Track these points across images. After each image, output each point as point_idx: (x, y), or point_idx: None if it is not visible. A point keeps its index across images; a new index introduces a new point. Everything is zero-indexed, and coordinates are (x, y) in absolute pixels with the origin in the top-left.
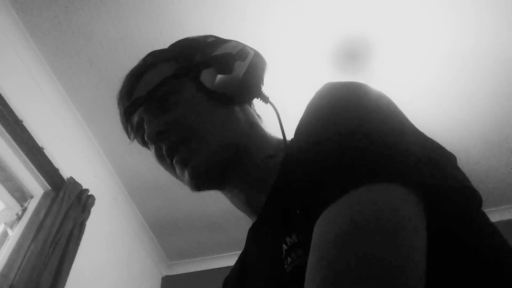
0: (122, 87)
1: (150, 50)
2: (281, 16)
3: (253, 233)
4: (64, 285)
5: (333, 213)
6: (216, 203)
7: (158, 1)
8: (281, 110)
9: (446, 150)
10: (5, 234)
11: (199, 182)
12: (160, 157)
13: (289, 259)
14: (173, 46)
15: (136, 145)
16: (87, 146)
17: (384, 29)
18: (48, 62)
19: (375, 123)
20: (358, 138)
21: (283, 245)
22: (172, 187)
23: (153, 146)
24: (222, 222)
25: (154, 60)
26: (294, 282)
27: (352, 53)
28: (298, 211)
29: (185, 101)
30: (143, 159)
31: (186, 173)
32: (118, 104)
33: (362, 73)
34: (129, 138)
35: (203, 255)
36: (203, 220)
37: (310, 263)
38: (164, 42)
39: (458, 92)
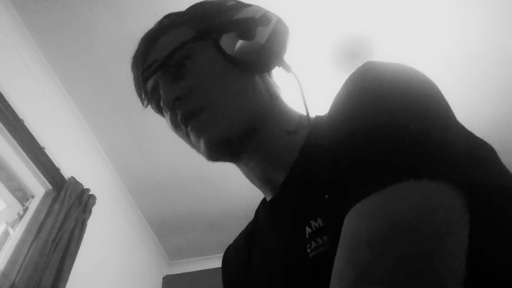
0: (137, 50)
1: None
2: (281, 15)
3: (270, 210)
4: (65, 284)
5: (367, 208)
6: (217, 203)
7: (158, 1)
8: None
9: (488, 144)
10: (7, 233)
11: (214, 153)
12: (175, 124)
13: (313, 244)
14: (191, 8)
15: (137, 145)
16: (88, 146)
17: (385, 28)
18: (49, 61)
19: (420, 115)
20: (402, 130)
21: (307, 227)
22: (173, 187)
23: (168, 112)
24: (222, 222)
25: (171, 22)
26: (316, 268)
27: (353, 52)
28: (327, 196)
29: (203, 67)
30: (144, 158)
31: (201, 142)
32: (132, 68)
33: None
34: (143, 104)
35: (204, 255)
36: (204, 219)
37: (339, 260)
38: None
39: (461, 92)
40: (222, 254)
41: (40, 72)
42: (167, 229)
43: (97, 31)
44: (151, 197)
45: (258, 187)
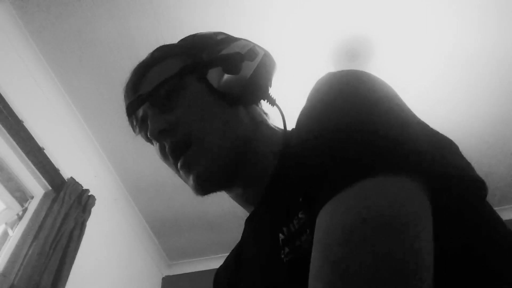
0: (129, 81)
1: (150, 50)
2: (281, 15)
3: (250, 223)
4: (65, 285)
5: (338, 206)
6: (216, 203)
7: (158, 1)
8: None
9: (449, 139)
10: (6, 234)
11: (204, 188)
12: (163, 154)
13: (286, 249)
14: (182, 41)
15: (136, 145)
16: (88, 147)
17: (385, 29)
18: (48, 62)
19: (377, 114)
20: (361, 129)
21: (280, 234)
22: (172, 187)
23: (157, 143)
24: (222, 222)
25: (162, 55)
26: (291, 273)
27: (353, 53)
28: (300, 199)
29: (189, 100)
30: (144, 159)
31: (190, 179)
32: (124, 97)
33: None
34: (134, 132)
35: (203, 255)
36: (204, 220)
37: (315, 259)
38: (164, 42)
39: (460, 93)
40: (222, 255)
41: (40, 73)
42: (167, 229)
43: (97, 32)
44: (150, 197)
45: (245, 208)
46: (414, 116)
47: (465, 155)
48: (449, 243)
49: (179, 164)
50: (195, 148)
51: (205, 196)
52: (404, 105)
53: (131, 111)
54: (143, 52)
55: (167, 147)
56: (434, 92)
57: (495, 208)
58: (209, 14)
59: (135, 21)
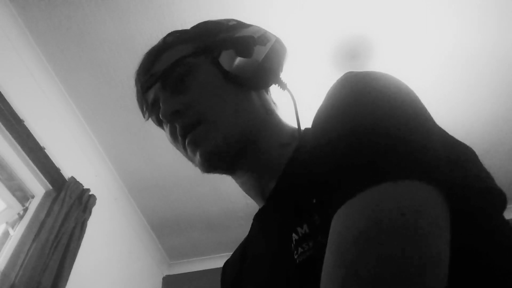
0: (140, 65)
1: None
2: (281, 16)
3: (260, 219)
4: (65, 284)
5: (353, 209)
6: (217, 203)
7: (159, 2)
8: (281, 109)
9: (468, 147)
10: (7, 233)
11: (210, 165)
12: (173, 136)
13: (299, 250)
14: (195, 27)
15: (137, 145)
16: (88, 146)
17: (385, 30)
18: (49, 62)
19: (397, 118)
20: (380, 134)
21: (293, 234)
22: (173, 187)
23: (168, 125)
24: (223, 222)
25: (174, 39)
26: (303, 274)
27: (353, 53)
28: (314, 201)
29: (202, 82)
30: (144, 159)
31: (197, 154)
32: (135, 81)
33: None
34: (144, 116)
35: (204, 255)
36: (204, 219)
37: (328, 261)
38: None
39: (460, 93)
40: (222, 254)
41: (41, 73)
42: (167, 229)
43: (98, 31)
44: (151, 197)
45: (253, 198)
46: (434, 123)
47: None
48: (460, 247)
49: (187, 140)
50: (206, 127)
51: (210, 173)
52: (425, 110)
53: (144, 89)
54: (143, 52)
55: (178, 128)
56: (434, 92)
57: None
58: (209, 14)
59: (136, 21)
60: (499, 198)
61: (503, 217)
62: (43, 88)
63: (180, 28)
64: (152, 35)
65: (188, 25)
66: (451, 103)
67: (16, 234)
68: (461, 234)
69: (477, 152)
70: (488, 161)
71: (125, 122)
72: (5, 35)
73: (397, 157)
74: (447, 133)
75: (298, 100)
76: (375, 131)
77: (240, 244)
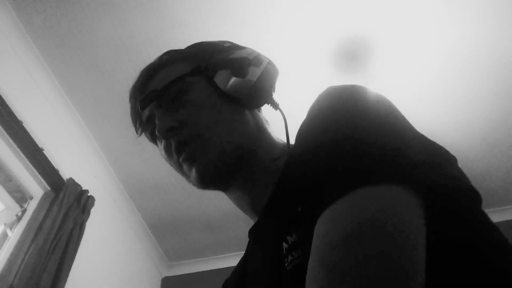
0: (136, 82)
1: (150, 51)
2: (281, 16)
3: (254, 233)
4: (64, 286)
5: (334, 213)
6: (216, 204)
7: (158, 2)
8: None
9: (446, 151)
10: (5, 235)
11: (205, 181)
12: (168, 153)
13: (289, 258)
14: (190, 47)
15: (136, 146)
16: (87, 147)
17: (384, 30)
18: (48, 63)
19: (374, 126)
20: (357, 141)
21: (284, 243)
22: (171, 188)
23: (162, 141)
24: (222, 223)
25: (170, 58)
26: (294, 281)
27: (352, 54)
28: (299, 209)
29: (197, 100)
30: (143, 160)
31: (193, 171)
32: (130, 98)
33: (362, 73)
34: (137, 132)
35: (203, 256)
36: (203, 221)
37: (312, 263)
38: (163, 43)
39: (459, 92)
40: (222, 256)
41: (39, 74)
42: (166, 230)
43: (96, 33)
44: (150, 198)
45: (246, 213)
46: (411, 129)
47: (464, 155)
48: (445, 251)
49: (182, 157)
50: (201, 143)
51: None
52: (402, 117)
53: (143, 106)
54: (142, 53)
55: (173, 144)
56: (433, 91)
57: (494, 209)
58: (209, 13)
59: (135, 22)
60: (474, 197)
61: (482, 212)
62: (41, 89)
63: (179, 29)
64: (151, 35)
65: (187, 26)
66: (450, 102)
67: (14, 235)
68: (441, 231)
69: (475, 152)
70: (488, 161)
71: (124, 123)
72: (4, 36)
73: (375, 162)
74: (427, 138)
75: (297, 102)
76: (354, 139)
77: (239, 261)
